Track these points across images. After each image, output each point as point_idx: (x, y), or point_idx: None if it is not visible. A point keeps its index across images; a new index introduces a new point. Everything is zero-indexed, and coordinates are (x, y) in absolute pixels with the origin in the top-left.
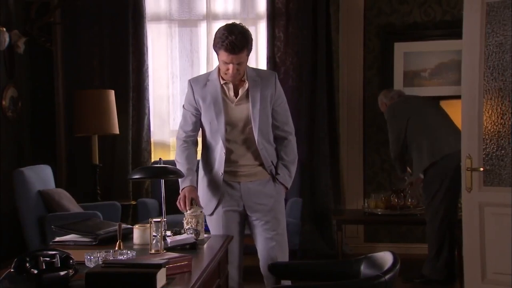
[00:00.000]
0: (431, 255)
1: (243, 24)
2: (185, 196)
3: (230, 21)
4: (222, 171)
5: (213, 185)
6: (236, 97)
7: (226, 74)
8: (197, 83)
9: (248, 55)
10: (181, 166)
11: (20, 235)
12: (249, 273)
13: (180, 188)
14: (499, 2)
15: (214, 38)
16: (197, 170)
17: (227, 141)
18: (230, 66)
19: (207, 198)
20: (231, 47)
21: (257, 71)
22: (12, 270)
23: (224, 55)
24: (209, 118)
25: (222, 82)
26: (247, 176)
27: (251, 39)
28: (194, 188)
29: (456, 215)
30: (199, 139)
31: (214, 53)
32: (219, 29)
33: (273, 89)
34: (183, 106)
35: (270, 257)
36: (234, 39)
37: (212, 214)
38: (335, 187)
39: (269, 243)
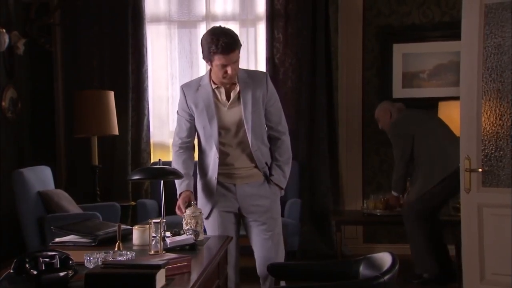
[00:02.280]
0: (418, 254)
1: (228, 26)
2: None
3: (229, 22)
4: (216, 175)
5: (208, 189)
6: (228, 101)
7: (224, 77)
8: (189, 89)
9: (239, 52)
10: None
11: (19, 236)
12: (245, 274)
13: (177, 193)
14: (497, 3)
15: (203, 47)
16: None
17: (221, 144)
18: (229, 68)
19: (202, 202)
20: (226, 47)
21: (248, 72)
22: (11, 271)
23: (221, 58)
24: (202, 124)
25: (213, 86)
26: (242, 178)
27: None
28: (190, 192)
29: (438, 214)
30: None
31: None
32: (204, 37)
33: (265, 89)
34: (177, 112)
35: (268, 258)
36: (225, 40)
37: (208, 217)
38: (335, 187)
39: (266, 243)
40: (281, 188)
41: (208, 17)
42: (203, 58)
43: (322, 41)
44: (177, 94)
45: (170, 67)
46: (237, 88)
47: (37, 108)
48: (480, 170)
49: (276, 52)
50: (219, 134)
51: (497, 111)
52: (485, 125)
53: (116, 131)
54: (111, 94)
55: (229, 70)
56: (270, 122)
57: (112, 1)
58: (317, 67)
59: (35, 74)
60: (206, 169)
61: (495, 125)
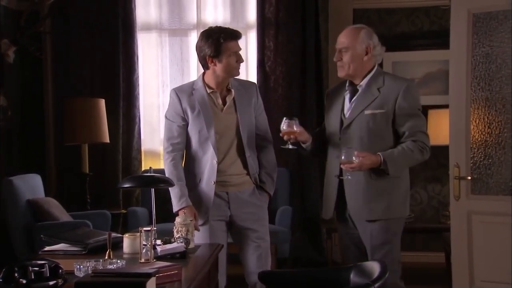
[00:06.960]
0: None
1: None
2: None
3: None
4: (214, 180)
5: (203, 196)
6: (224, 106)
7: (236, 68)
8: (183, 92)
9: None
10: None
11: (8, 244)
12: (233, 281)
13: (177, 207)
14: (485, 13)
15: (206, 46)
16: None
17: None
18: (240, 54)
19: (196, 210)
20: (236, 32)
21: (238, 81)
22: (0, 280)
23: (235, 44)
24: (198, 127)
25: (209, 91)
26: (235, 185)
27: None
28: (193, 208)
29: None
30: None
31: None
32: (204, 37)
33: (256, 98)
34: (166, 117)
35: (258, 265)
36: (229, 28)
37: (202, 225)
38: None
39: (257, 251)
40: (270, 196)
41: (199, 25)
42: (208, 58)
43: (312, 49)
44: (167, 101)
45: (161, 75)
46: (232, 93)
47: (27, 116)
48: (469, 177)
49: (267, 60)
50: (215, 138)
51: (486, 119)
52: (474, 133)
53: (106, 139)
54: (102, 101)
55: (241, 56)
56: (258, 130)
57: (103, 9)
58: (307, 74)
59: (25, 82)
60: (200, 175)
61: (484, 133)
